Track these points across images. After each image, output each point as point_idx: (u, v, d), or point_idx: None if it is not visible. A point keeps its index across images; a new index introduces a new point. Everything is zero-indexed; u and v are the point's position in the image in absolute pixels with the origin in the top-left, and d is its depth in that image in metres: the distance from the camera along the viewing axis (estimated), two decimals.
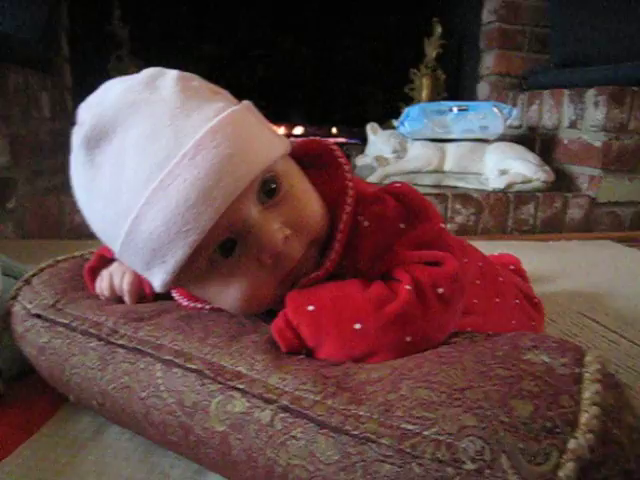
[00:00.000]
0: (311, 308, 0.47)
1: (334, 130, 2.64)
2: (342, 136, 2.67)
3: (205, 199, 0.42)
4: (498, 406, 0.35)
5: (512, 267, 0.99)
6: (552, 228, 1.75)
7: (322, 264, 0.50)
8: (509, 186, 1.71)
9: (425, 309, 0.47)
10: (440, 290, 0.48)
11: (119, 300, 0.61)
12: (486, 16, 2.19)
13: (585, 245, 1.60)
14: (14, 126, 1.45)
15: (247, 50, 2.42)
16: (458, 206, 1.66)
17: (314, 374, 0.43)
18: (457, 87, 2.37)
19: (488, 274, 0.77)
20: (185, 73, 0.48)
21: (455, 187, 1.78)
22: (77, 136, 0.46)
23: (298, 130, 2.70)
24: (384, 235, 0.51)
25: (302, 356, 0.46)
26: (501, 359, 0.41)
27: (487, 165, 1.78)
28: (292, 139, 0.56)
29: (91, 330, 0.55)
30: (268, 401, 0.42)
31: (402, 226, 0.52)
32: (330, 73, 2.49)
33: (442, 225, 0.53)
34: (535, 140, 1.99)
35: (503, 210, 1.69)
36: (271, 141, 0.49)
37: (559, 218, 1.74)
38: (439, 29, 2.28)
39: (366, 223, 0.51)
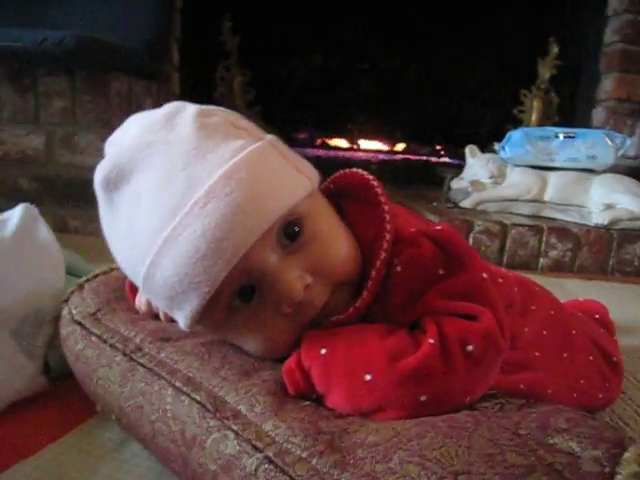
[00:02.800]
0: (324, 351, 0.44)
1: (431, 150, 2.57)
2: (443, 156, 2.59)
3: (215, 251, 0.41)
4: None
5: (597, 316, 0.89)
6: None
7: (347, 309, 0.47)
8: (614, 222, 1.55)
9: (448, 367, 0.42)
10: (469, 347, 0.43)
11: (155, 316, 0.61)
12: (609, 36, 2.02)
13: None
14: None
15: (355, 64, 2.41)
16: (554, 240, 1.54)
17: (310, 426, 0.39)
18: (571, 111, 2.21)
19: (559, 324, 0.70)
20: (206, 107, 0.47)
21: (554, 219, 1.65)
22: (98, 175, 0.46)
23: (400, 146, 2.66)
24: (418, 281, 0.47)
25: (308, 402, 0.43)
26: (520, 440, 0.36)
27: (592, 198, 1.63)
28: (343, 171, 0.53)
29: (118, 345, 0.55)
30: (256, 448, 0.39)
31: (440, 272, 0.47)
32: (438, 91, 2.42)
33: (485, 275, 0.48)
34: None
35: (604, 248, 1.54)
36: (293, 181, 0.46)
37: None
38: (555, 49, 2.16)
39: (399, 268, 0.47)
